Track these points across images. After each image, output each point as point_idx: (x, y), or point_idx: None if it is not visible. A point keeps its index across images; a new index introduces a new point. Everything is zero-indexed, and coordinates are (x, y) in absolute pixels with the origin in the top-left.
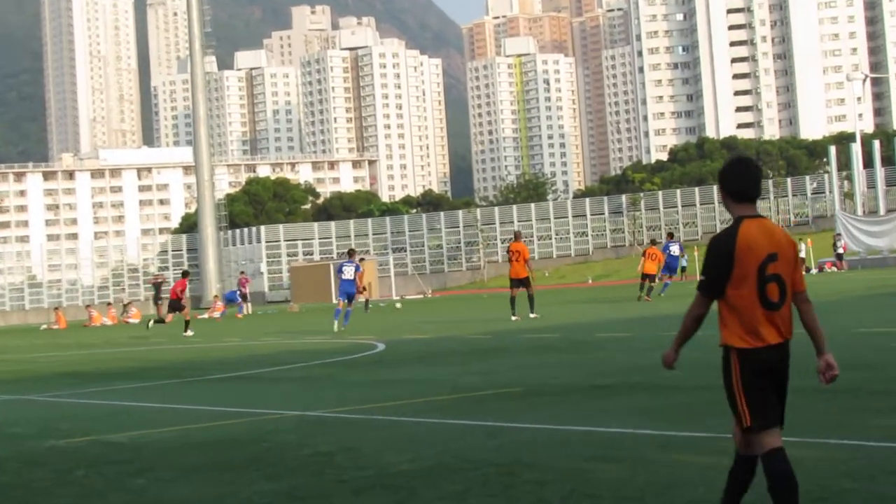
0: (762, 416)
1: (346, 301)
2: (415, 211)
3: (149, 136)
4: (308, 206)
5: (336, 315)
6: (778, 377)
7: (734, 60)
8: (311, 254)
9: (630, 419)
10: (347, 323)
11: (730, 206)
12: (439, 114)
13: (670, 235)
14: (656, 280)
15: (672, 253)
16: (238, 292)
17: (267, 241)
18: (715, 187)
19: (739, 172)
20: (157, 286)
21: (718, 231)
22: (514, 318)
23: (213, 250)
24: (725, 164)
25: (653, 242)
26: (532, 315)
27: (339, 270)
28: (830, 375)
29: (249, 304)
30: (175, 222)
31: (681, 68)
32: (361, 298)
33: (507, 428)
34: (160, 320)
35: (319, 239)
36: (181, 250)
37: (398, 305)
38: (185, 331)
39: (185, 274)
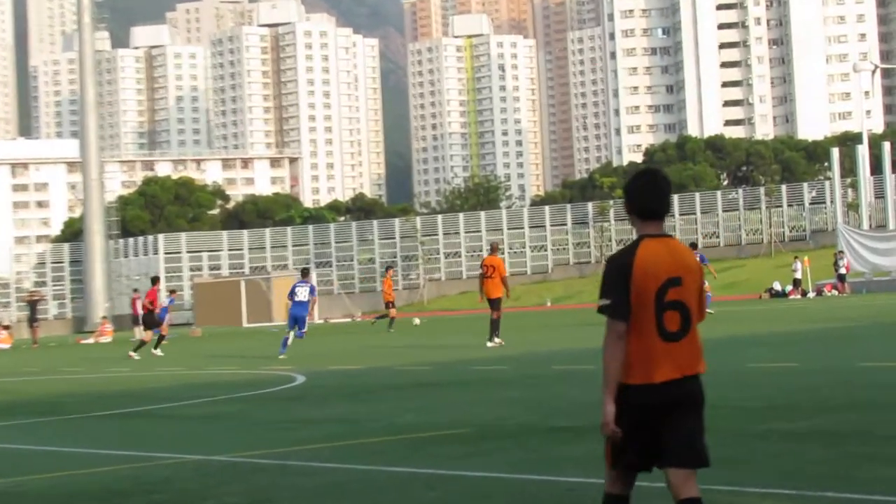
0: (631, 457)
1: (295, 327)
2: (343, 219)
3: (25, 126)
4: (216, 212)
5: (284, 344)
6: (679, 417)
7: (723, 46)
8: (219, 268)
9: (593, 467)
10: (284, 351)
11: (635, 223)
12: (374, 104)
13: (693, 246)
14: None
15: None
16: (143, 313)
17: (166, 253)
18: (697, 195)
19: (646, 187)
20: (33, 305)
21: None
22: (489, 343)
23: (100, 263)
24: (631, 177)
25: None
26: (489, 343)
27: (292, 293)
28: None
29: (141, 328)
30: (56, 229)
31: (660, 54)
32: (368, 317)
33: (450, 477)
34: (141, 344)
35: (229, 251)
36: (62, 262)
37: (416, 322)
38: (155, 348)
39: (155, 280)
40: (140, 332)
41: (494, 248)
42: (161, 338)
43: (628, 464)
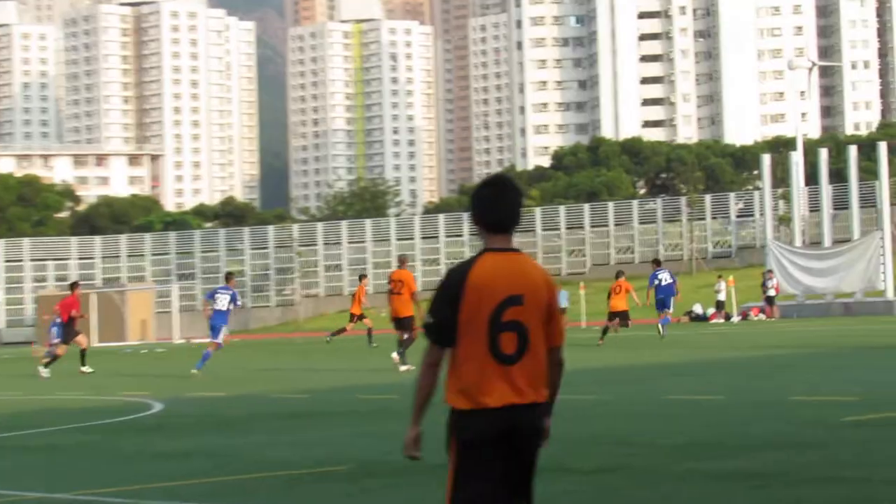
0: (473, 496)
1: (216, 339)
2: (210, 225)
3: None
4: (65, 215)
5: (204, 358)
6: (516, 448)
7: (643, 38)
8: (66, 279)
9: None
10: (202, 366)
11: (482, 236)
12: (249, 96)
13: (657, 263)
14: (629, 322)
15: (663, 283)
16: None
17: (7, 261)
18: (611, 204)
19: (492, 197)
20: None
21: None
22: (402, 367)
23: None
24: (478, 185)
25: (619, 275)
26: (402, 367)
27: (211, 297)
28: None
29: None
30: None
31: (572, 46)
32: (347, 326)
33: None
34: (54, 357)
35: (79, 259)
36: None
37: (327, 340)
38: (82, 365)
39: (74, 286)
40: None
41: (403, 262)
42: (83, 353)
43: (475, 496)
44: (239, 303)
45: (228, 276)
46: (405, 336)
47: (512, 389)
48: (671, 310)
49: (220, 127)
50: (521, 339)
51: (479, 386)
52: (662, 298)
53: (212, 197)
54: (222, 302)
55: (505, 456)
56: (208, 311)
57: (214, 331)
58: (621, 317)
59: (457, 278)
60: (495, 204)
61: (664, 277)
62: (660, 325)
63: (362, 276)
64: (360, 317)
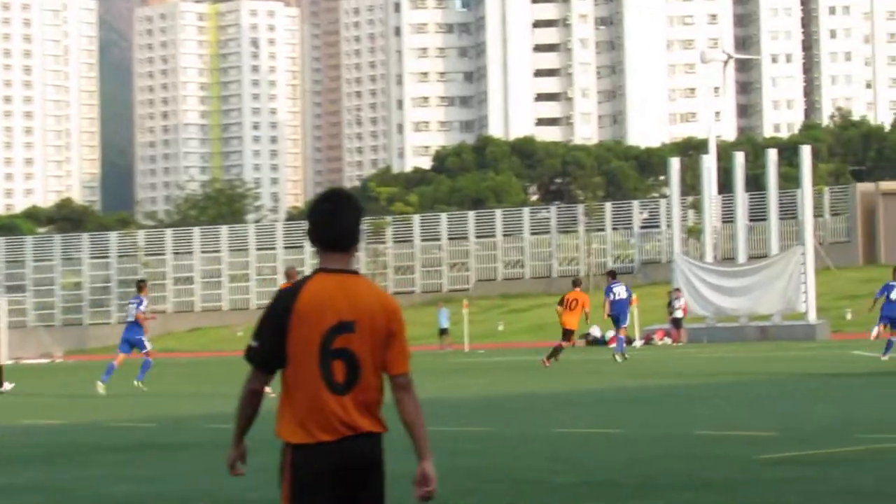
0: None
1: (125, 353)
2: (44, 230)
3: None
4: None
5: (108, 371)
6: (355, 484)
7: (537, 25)
8: None
9: None
10: (108, 379)
11: (318, 255)
12: (89, 84)
13: (612, 275)
14: (572, 340)
15: (617, 297)
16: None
17: None
18: (499, 212)
19: (328, 213)
20: None
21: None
22: (272, 394)
23: None
24: (314, 200)
25: (575, 284)
26: (272, 394)
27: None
28: (424, 492)
29: None
30: None
31: (457, 32)
32: None
33: None
34: None
35: None
36: None
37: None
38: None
39: None
40: None
41: (291, 276)
42: None
43: None
44: (142, 308)
45: (141, 285)
46: None
47: (345, 421)
48: (626, 324)
49: (55, 119)
50: (350, 367)
51: (311, 418)
52: (616, 315)
53: (46, 198)
54: (133, 313)
55: (342, 492)
56: (147, 323)
57: (136, 344)
58: (570, 336)
59: (285, 301)
60: (332, 221)
61: (619, 291)
62: (615, 354)
63: None
64: None
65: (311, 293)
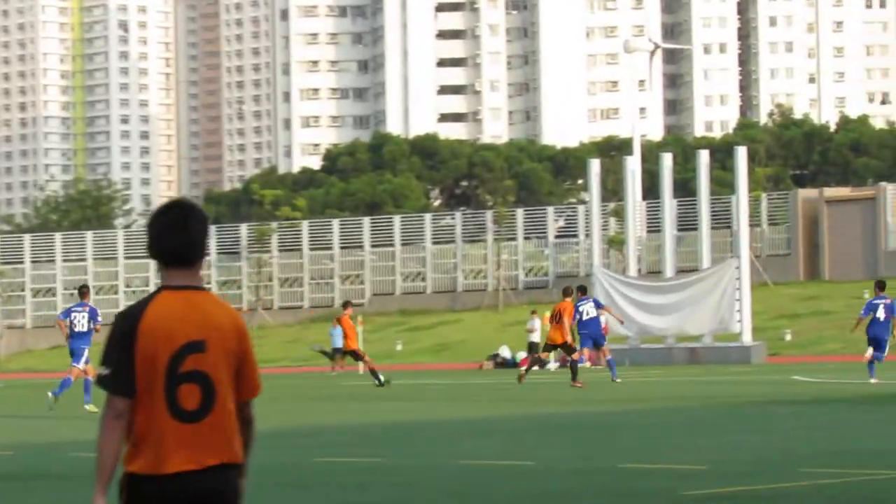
0: None
1: (78, 365)
2: None
3: None
4: None
5: (63, 386)
6: None
7: (441, 8)
8: None
9: None
10: (60, 393)
11: (160, 271)
12: None
13: (581, 290)
14: (551, 356)
15: (587, 316)
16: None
17: None
18: (397, 218)
19: (169, 225)
20: None
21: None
22: None
23: None
24: (154, 212)
25: (566, 293)
26: None
27: (66, 316)
28: None
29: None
30: None
31: (351, 16)
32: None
33: None
34: None
35: None
36: None
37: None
38: None
39: None
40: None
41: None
42: None
43: None
44: (100, 319)
45: (83, 291)
46: None
47: (195, 451)
48: (604, 344)
49: None
50: (204, 392)
51: (158, 447)
52: (587, 335)
53: None
54: (80, 322)
55: None
56: (66, 331)
57: (76, 356)
58: (560, 348)
59: (129, 322)
60: (175, 233)
61: (587, 310)
62: (571, 376)
63: (346, 304)
64: (354, 354)
65: (156, 313)
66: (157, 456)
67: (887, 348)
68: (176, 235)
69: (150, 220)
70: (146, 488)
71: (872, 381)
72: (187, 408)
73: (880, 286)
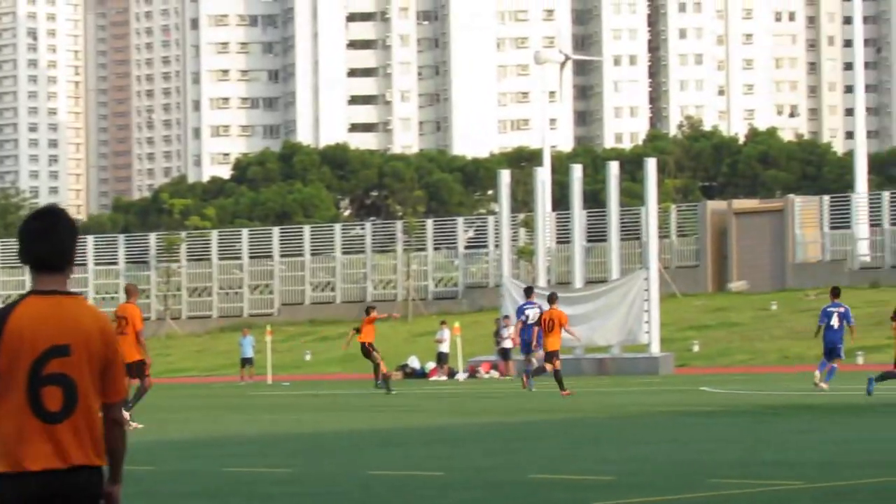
0: None
1: None
2: None
3: None
4: None
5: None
6: None
7: (352, 18)
8: None
9: None
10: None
11: (31, 275)
12: None
13: (528, 292)
14: (556, 362)
15: (529, 321)
16: None
17: None
18: (307, 228)
19: (38, 231)
20: None
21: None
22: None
23: None
24: (25, 219)
25: (552, 300)
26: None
27: None
28: None
29: None
30: None
31: (262, 25)
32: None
33: None
34: None
35: None
36: None
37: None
38: None
39: None
40: None
41: (131, 293)
42: None
43: None
44: None
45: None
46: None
47: (56, 451)
48: (539, 351)
49: None
50: (67, 394)
51: (19, 446)
52: (528, 340)
53: None
54: None
55: None
56: None
57: None
58: (550, 357)
59: None
60: (43, 239)
61: (532, 314)
62: (525, 379)
63: (371, 308)
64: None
65: (21, 315)
66: (20, 454)
67: (843, 355)
68: (45, 242)
69: (21, 226)
70: (7, 487)
71: (824, 385)
72: (50, 409)
73: (835, 293)
